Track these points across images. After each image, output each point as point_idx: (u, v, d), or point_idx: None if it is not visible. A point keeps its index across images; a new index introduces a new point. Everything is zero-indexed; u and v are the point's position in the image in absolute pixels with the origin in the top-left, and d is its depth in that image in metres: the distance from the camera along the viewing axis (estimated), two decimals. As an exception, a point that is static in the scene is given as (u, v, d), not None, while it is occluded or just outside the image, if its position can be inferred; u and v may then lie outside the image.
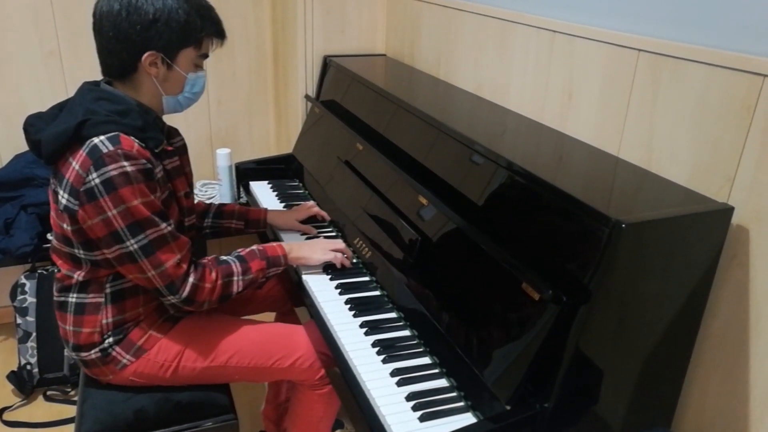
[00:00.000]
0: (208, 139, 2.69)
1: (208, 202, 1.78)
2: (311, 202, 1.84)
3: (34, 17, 2.26)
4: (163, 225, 1.27)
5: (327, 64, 2.27)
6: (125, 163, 1.21)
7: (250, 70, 2.66)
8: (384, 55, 2.39)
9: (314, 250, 1.55)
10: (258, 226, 1.76)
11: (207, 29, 1.35)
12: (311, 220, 1.80)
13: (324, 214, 1.80)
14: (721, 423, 1.20)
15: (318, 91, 2.30)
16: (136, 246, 1.25)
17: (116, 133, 1.24)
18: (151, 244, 1.26)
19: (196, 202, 1.74)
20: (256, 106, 2.73)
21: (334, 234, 1.77)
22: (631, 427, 1.21)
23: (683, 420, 1.27)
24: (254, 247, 1.47)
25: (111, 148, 1.21)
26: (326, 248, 1.56)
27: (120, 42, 1.27)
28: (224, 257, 1.42)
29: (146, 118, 1.31)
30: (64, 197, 1.25)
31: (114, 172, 1.21)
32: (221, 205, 1.74)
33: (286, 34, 2.42)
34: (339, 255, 1.56)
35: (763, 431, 1.13)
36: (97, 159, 1.21)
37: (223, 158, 2.24)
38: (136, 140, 1.26)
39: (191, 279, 1.31)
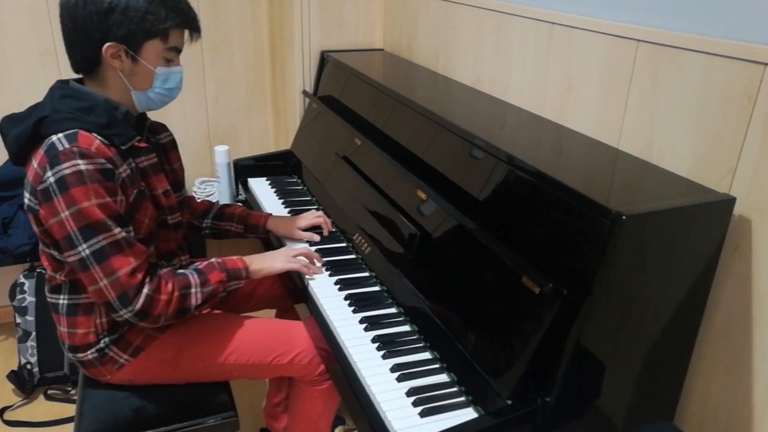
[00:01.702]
0: (206, 136, 2.68)
1: (210, 200, 1.75)
2: (320, 212, 1.76)
3: (29, 17, 2.24)
4: (117, 230, 1.20)
5: (324, 59, 2.25)
6: (80, 162, 1.17)
7: (248, 67, 2.65)
8: (382, 49, 2.38)
9: (276, 259, 1.48)
10: (257, 232, 1.71)
11: (173, 20, 1.26)
12: (315, 228, 1.73)
13: (328, 223, 1.72)
14: (724, 416, 1.19)
15: (315, 86, 2.29)
16: (87, 251, 1.19)
17: (75, 130, 1.20)
18: (103, 250, 1.19)
19: (199, 201, 1.72)
20: (254, 102, 2.72)
21: (333, 230, 1.76)
22: (633, 421, 1.20)
23: (686, 413, 1.26)
24: (213, 259, 1.41)
25: (67, 145, 1.17)
26: (289, 255, 1.50)
27: (78, 33, 1.23)
28: (181, 270, 1.36)
29: (113, 114, 1.27)
30: (26, 197, 1.23)
31: (67, 171, 1.16)
32: (224, 206, 1.71)
33: (283, 30, 2.41)
34: (304, 260, 1.50)
35: (766, 424, 1.13)
36: (53, 157, 1.17)
37: (222, 155, 2.23)
38: (99, 137, 1.22)
39: (146, 290, 1.24)
